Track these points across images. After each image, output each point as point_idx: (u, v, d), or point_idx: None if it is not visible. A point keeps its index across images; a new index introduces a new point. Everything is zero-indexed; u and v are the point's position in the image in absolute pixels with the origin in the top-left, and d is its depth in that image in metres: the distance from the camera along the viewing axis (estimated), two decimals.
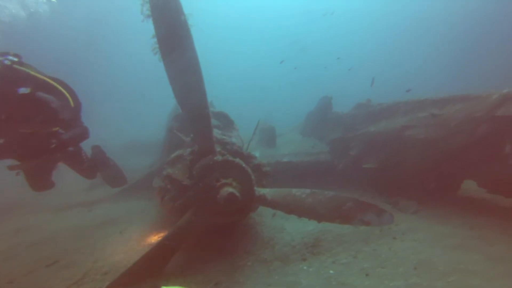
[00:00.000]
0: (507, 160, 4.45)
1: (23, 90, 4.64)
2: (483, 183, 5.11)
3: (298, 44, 30.08)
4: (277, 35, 36.32)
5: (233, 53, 38.55)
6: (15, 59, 4.84)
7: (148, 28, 3.35)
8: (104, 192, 8.06)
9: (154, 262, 3.38)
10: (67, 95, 5.16)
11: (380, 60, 34.74)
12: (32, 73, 4.87)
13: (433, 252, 3.90)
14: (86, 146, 6.47)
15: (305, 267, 3.53)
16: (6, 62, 4.65)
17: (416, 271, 3.46)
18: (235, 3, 37.15)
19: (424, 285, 3.19)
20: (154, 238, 4.45)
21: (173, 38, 3.13)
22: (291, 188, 4.00)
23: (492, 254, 3.84)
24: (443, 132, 5.22)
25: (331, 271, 3.45)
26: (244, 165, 3.52)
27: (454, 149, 5.10)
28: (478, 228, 4.57)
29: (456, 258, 3.74)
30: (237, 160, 3.54)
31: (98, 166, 6.46)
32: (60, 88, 5.11)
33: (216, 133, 4.46)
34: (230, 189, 3.11)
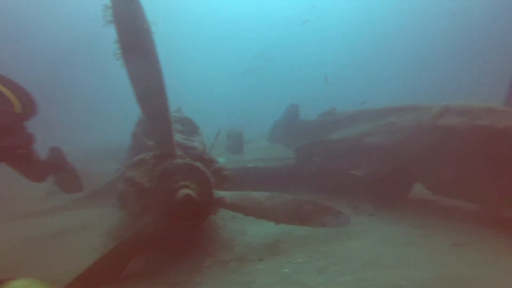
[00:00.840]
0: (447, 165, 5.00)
1: None
2: (429, 186, 5.63)
3: (265, 55, 31.02)
4: (244, 47, 36.93)
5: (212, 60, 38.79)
6: None
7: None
8: (63, 199, 7.85)
9: (109, 267, 3.45)
10: (12, 97, 4.46)
11: (353, 67, 36.49)
12: None
13: (382, 249, 4.29)
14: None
15: (261, 267, 3.77)
16: None
17: (364, 266, 3.82)
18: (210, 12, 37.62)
19: (369, 278, 3.53)
20: (112, 244, 4.48)
21: (135, 44, 3.31)
22: (251, 191, 4.24)
23: (434, 250, 4.30)
24: (396, 139, 5.73)
25: (286, 270, 3.71)
26: (203, 168, 3.72)
27: (406, 155, 5.61)
28: (425, 227, 5.06)
29: (402, 254, 4.15)
30: (197, 163, 3.74)
31: (51, 169, 6.13)
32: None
33: (179, 137, 4.64)
34: (187, 191, 3.30)
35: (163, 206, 3.47)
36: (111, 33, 3.31)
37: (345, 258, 4.02)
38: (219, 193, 3.98)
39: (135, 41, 3.31)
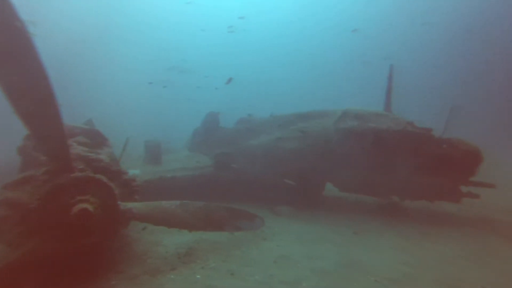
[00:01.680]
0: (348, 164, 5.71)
1: None
2: (336, 184, 6.34)
3: (178, 67, 31.18)
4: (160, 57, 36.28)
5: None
6: None
7: None
8: None
9: None
10: None
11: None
12: None
13: (294, 247, 4.67)
14: None
15: (172, 276, 3.75)
16: None
17: (275, 264, 4.11)
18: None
19: (278, 273, 3.82)
20: None
21: (9, 46, 2.93)
22: (161, 201, 4.20)
23: (339, 241, 4.86)
24: (306, 142, 6.31)
25: (198, 276, 3.76)
26: (105, 180, 3.56)
27: (316, 157, 6.22)
28: (332, 223, 5.67)
29: (311, 249, 4.58)
30: (98, 176, 3.56)
31: None
32: None
33: (81, 150, 4.34)
34: (84, 205, 3.12)
35: (56, 226, 3.20)
36: None
37: (258, 259, 4.26)
38: (126, 205, 3.85)
39: (9, 44, 2.90)
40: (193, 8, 34.17)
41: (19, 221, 3.26)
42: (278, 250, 4.53)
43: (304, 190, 6.60)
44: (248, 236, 5.03)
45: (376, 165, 5.65)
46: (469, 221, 5.59)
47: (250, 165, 6.99)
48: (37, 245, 3.19)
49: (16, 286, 3.17)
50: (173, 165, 7.58)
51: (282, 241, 4.91)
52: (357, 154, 5.72)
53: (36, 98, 3.06)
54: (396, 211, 6.02)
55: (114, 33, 33.95)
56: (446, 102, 6.18)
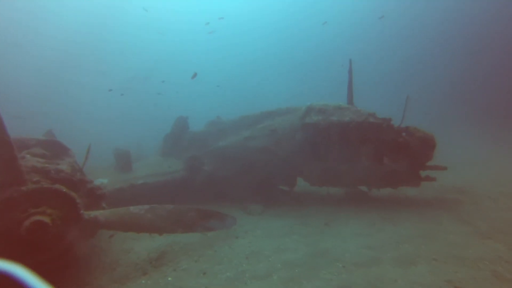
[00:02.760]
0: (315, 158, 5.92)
1: None
2: (305, 178, 6.55)
3: (139, 76, 31.17)
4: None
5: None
6: None
7: None
8: None
9: None
10: None
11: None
12: None
13: (265, 242, 4.80)
14: None
15: (143, 281, 3.76)
16: None
17: (247, 260, 4.22)
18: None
19: (249, 269, 3.93)
20: None
21: None
22: (129, 207, 4.19)
23: (308, 233, 5.04)
24: (275, 140, 6.47)
25: (170, 278, 3.80)
26: (64, 190, 3.51)
27: (283, 153, 6.38)
28: (303, 216, 5.86)
29: (282, 243, 4.73)
30: (55, 186, 3.51)
31: None
32: None
33: (36, 161, 4.23)
34: (37, 217, 3.07)
35: (8, 244, 3.11)
36: None
37: (230, 256, 4.35)
38: (91, 214, 3.81)
39: None
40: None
41: None
42: (250, 247, 4.64)
43: (274, 187, 6.77)
44: (221, 236, 5.11)
45: (341, 156, 5.91)
46: (426, 202, 5.98)
47: (221, 166, 7.06)
48: None
49: None
50: (144, 171, 7.51)
51: (253, 238, 5.03)
52: (322, 147, 5.96)
53: None
54: (363, 200, 6.31)
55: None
56: (403, 92, 6.53)
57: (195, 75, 9.95)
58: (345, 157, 5.90)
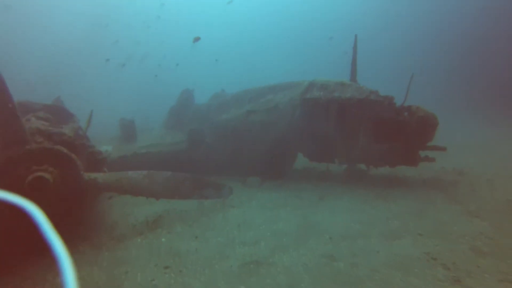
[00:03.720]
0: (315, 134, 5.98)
1: None
2: (304, 154, 6.63)
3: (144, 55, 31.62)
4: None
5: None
6: None
7: None
8: None
9: None
10: None
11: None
12: None
13: (258, 213, 4.98)
14: None
15: (139, 240, 4.01)
16: None
17: (238, 227, 4.40)
18: None
19: (239, 236, 4.13)
20: None
21: None
22: (127, 171, 4.40)
23: (301, 206, 5.19)
24: (275, 114, 6.51)
25: (163, 239, 4.04)
26: (64, 151, 3.71)
27: (284, 128, 6.44)
28: (300, 190, 6.00)
29: (274, 214, 4.89)
30: (57, 147, 3.71)
31: None
32: None
33: (40, 124, 4.43)
34: (38, 173, 3.28)
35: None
36: None
37: (223, 224, 4.55)
38: (90, 175, 4.03)
39: None
40: None
41: None
42: (243, 216, 4.82)
43: (274, 161, 6.88)
44: (217, 205, 5.30)
45: (340, 133, 5.94)
46: (423, 182, 6.01)
47: (222, 139, 7.19)
48: None
49: None
50: (148, 142, 7.73)
51: (248, 208, 5.20)
52: (321, 123, 5.99)
53: None
54: (361, 178, 6.39)
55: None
56: (408, 71, 6.41)
57: (197, 38, 9.86)
58: (344, 134, 5.93)
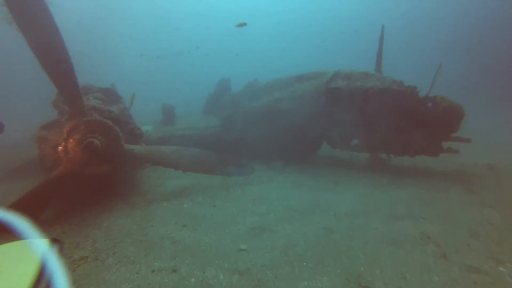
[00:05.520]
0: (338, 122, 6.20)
1: None
2: (328, 141, 6.86)
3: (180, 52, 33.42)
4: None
5: None
6: None
7: None
8: None
9: (28, 208, 4.11)
10: None
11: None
12: None
13: (274, 190, 5.39)
14: None
15: (165, 204, 4.68)
16: None
17: (253, 201, 4.87)
18: None
19: (252, 208, 4.58)
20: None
21: (26, 6, 3.73)
22: (160, 146, 5.10)
23: (314, 187, 5.50)
24: (301, 102, 6.83)
25: (185, 205, 4.65)
26: (110, 124, 4.47)
27: (309, 116, 6.73)
28: (317, 175, 6.29)
29: (289, 192, 5.26)
30: (105, 120, 4.48)
31: None
32: None
33: (96, 103, 5.30)
34: (90, 139, 4.06)
35: (74, 156, 4.20)
36: None
37: (240, 198, 5.04)
38: (129, 146, 4.78)
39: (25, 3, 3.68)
40: None
41: (51, 153, 4.32)
42: (259, 193, 5.26)
43: (299, 147, 7.20)
44: (239, 182, 5.81)
45: (361, 122, 6.08)
46: (444, 174, 5.89)
47: (251, 125, 7.67)
48: (63, 169, 4.22)
49: (45, 203, 4.25)
50: (185, 125, 8.51)
51: (266, 187, 5.61)
52: (344, 112, 6.17)
53: (53, 55, 3.97)
54: (381, 167, 6.46)
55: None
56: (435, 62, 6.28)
57: (243, 24, 10.27)
58: (366, 123, 6.06)
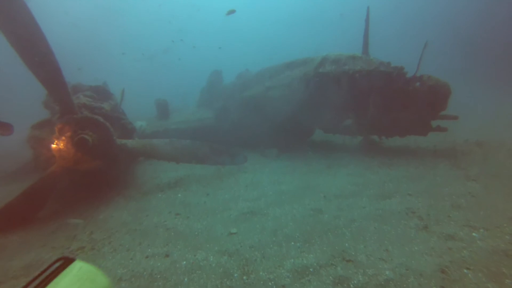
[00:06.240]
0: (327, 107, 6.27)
1: None
2: (320, 127, 6.94)
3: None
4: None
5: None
6: None
7: None
8: None
9: (23, 207, 4.22)
10: None
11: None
12: None
13: (266, 176, 5.49)
14: None
15: (159, 195, 4.80)
16: None
17: (246, 187, 4.98)
18: None
19: (244, 194, 4.70)
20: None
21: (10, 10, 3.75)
22: (152, 139, 5.20)
23: (306, 171, 5.61)
24: (291, 89, 6.88)
25: (179, 195, 4.77)
26: (101, 120, 4.56)
27: (300, 102, 6.79)
28: (310, 160, 6.39)
29: (280, 178, 5.36)
30: (95, 116, 4.57)
31: None
32: None
33: (86, 100, 5.39)
34: (82, 135, 4.16)
35: (66, 154, 4.30)
36: None
37: (233, 185, 5.16)
38: (121, 141, 4.88)
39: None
40: None
41: (45, 152, 4.43)
42: (252, 179, 5.37)
43: (291, 133, 7.29)
44: (232, 171, 5.92)
45: (350, 105, 6.15)
46: (434, 152, 5.97)
47: (245, 115, 7.74)
48: (57, 167, 4.33)
49: (42, 200, 4.37)
50: (179, 119, 8.60)
51: (259, 174, 5.71)
52: (334, 96, 6.23)
53: (36, 54, 4.01)
54: (373, 149, 6.55)
55: None
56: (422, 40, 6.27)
57: (232, 11, 10.30)
58: (355, 106, 6.13)
